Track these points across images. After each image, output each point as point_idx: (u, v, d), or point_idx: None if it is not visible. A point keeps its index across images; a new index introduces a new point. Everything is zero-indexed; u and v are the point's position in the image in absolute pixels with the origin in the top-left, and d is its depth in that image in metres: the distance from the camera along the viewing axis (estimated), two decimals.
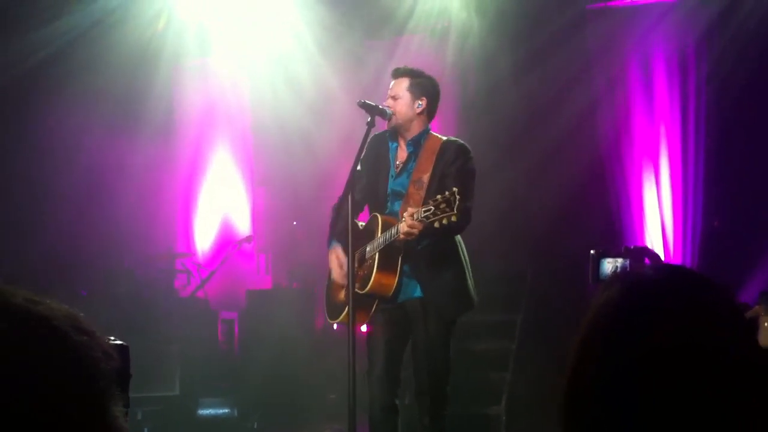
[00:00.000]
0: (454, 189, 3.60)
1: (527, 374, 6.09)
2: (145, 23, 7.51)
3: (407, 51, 7.28)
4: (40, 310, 0.77)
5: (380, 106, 4.04)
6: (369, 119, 3.96)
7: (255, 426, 6.32)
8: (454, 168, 4.00)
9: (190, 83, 8.23)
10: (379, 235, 3.97)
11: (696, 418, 0.94)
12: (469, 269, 4.13)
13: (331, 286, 4.30)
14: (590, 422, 0.99)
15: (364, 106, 3.98)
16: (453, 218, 3.58)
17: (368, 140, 4.09)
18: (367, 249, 4.04)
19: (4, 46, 7.00)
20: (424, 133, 4.13)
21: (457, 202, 3.56)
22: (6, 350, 0.74)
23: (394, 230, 3.86)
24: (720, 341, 0.97)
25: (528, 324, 6.55)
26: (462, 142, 4.16)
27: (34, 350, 0.75)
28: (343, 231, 4.02)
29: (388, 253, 3.94)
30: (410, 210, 3.71)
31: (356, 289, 3.92)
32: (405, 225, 3.72)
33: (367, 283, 3.96)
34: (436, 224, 3.62)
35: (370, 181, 4.05)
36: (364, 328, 4.93)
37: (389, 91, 4.12)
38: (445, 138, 4.12)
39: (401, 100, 4.07)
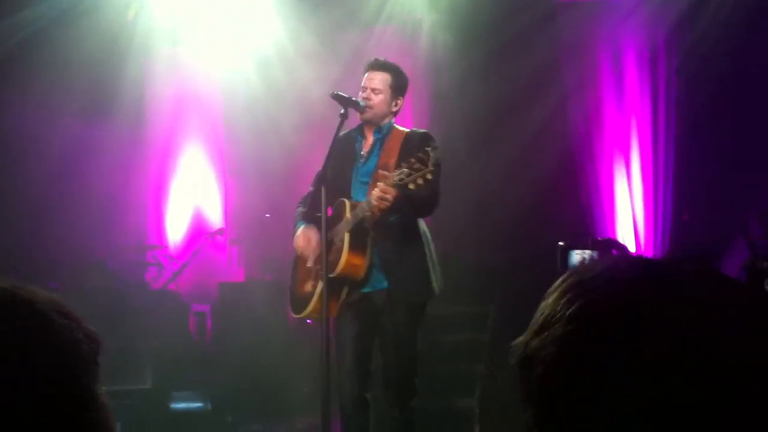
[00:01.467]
0: (427, 148, 3.66)
1: (501, 366, 6.11)
2: (115, 12, 7.41)
3: (380, 42, 7.27)
4: (23, 294, 0.79)
5: (354, 98, 4.04)
6: (342, 111, 3.96)
7: (230, 419, 6.30)
8: (419, 153, 4.03)
9: (161, 73, 8.13)
10: (348, 217, 3.96)
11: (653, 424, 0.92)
12: (434, 259, 4.15)
13: (295, 280, 4.29)
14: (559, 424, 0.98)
15: (337, 97, 3.98)
16: (428, 175, 3.62)
17: (335, 139, 4.10)
18: (336, 231, 4.02)
19: None
20: (390, 125, 4.18)
21: (431, 157, 3.61)
22: None
23: (365, 204, 3.85)
24: (679, 345, 0.92)
25: (501, 316, 6.58)
26: (426, 131, 4.21)
27: (19, 332, 0.77)
28: (309, 218, 4.09)
29: (358, 233, 3.94)
30: (384, 174, 3.73)
31: (328, 274, 3.92)
32: (378, 191, 3.70)
33: (337, 265, 3.94)
34: (411, 185, 3.65)
35: (334, 176, 4.00)
36: (309, 319, 4.92)
37: (368, 82, 4.09)
38: (408, 130, 4.17)
39: (381, 95, 4.07)
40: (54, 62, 7.19)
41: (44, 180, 7.19)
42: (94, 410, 0.80)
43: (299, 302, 4.20)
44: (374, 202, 3.74)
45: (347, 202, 4.02)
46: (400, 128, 4.17)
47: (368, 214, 3.86)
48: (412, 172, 3.64)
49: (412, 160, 3.67)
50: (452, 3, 7.23)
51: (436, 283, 4.11)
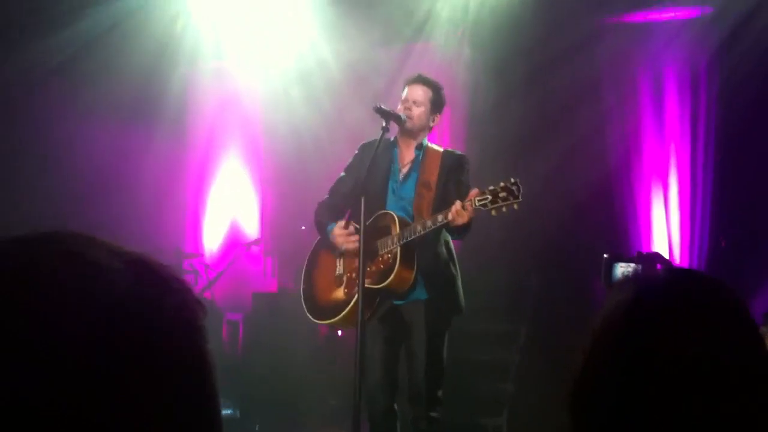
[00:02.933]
0: (514, 179, 3.81)
1: (530, 386, 6.09)
2: (163, 25, 7.57)
3: (420, 59, 7.32)
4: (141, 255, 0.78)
5: (395, 112, 4.10)
6: (384, 124, 4.02)
7: (257, 428, 6.34)
8: (461, 176, 4.19)
9: (204, 85, 8.28)
10: (397, 231, 4.01)
11: (701, 427, 0.94)
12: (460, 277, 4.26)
13: (316, 286, 4.32)
14: (597, 424, 1.00)
15: (380, 111, 4.04)
16: (515, 206, 3.77)
17: (360, 148, 4.30)
18: (382, 243, 4.06)
19: (23, 50, 7.08)
20: (425, 142, 4.28)
21: (521, 191, 3.72)
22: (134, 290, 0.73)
23: (437, 218, 3.91)
24: (732, 351, 0.97)
25: (532, 335, 6.56)
26: (462, 153, 4.36)
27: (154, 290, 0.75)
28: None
29: (409, 247, 4.00)
30: (471, 194, 3.84)
31: (370, 285, 3.96)
32: (459, 208, 3.80)
33: (387, 277, 3.99)
34: (494, 212, 3.76)
35: (365, 185, 4.02)
36: (339, 331, 4.95)
37: (410, 95, 4.17)
38: (442, 149, 4.29)
39: (422, 108, 4.18)
40: (103, 71, 7.37)
41: (86, 186, 7.35)
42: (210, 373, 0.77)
43: (326, 309, 4.24)
44: (450, 217, 3.83)
45: (394, 215, 4.07)
46: (435, 147, 4.25)
47: (422, 231, 3.94)
48: (497, 201, 3.76)
49: (498, 188, 3.81)
50: (493, 22, 7.25)
51: (463, 300, 4.18)
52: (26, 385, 0.66)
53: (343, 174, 4.35)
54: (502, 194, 3.79)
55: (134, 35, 7.40)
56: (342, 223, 4.16)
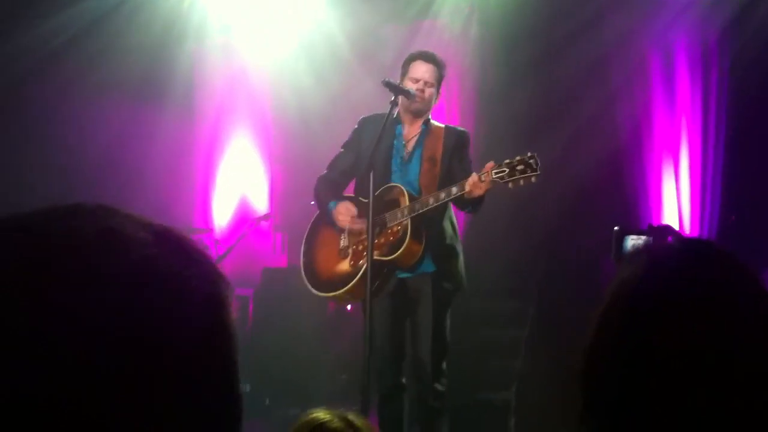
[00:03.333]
0: (531, 153, 3.82)
1: (538, 361, 6.11)
2: (170, 2, 7.55)
3: (429, 36, 7.28)
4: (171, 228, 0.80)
5: (403, 87, 4.10)
6: (392, 98, 4.02)
7: (267, 402, 6.39)
8: (465, 152, 4.26)
9: (212, 61, 8.25)
10: (407, 203, 4.02)
11: (709, 409, 0.92)
12: None
13: (317, 258, 4.33)
14: (606, 396, 0.98)
15: (389, 85, 4.04)
16: (533, 179, 3.79)
17: (360, 122, 4.34)
18: (390, 215, 4.08)
19: (28, 29, 7.06)
20: (429, 118, 4.31)
21: (539, 164, 3.76)
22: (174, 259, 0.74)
23: (452, 189, 3.92)
24: (747, 333, 0.95)
25: (540, 311, 6.57)
26: (464, 129, 4.40)
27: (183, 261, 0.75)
28: (350, 200, 4.23)
29: (417, 221, 4.02)
30: (487, 167, 3.85)
31: (379, 257, 3.98)
32: (476, 180, 3.82)
33: (398, 249, 4.00)
34: (511, 184, 3.77)
35: (368, 159, 4.02)
36: (348, 306, 4.98)
37: (419, 74, 4.17)
38: (443, 125, 4.31)
39: (431, 88, 4.19)
40: (110, 50, 7.36)
41: (95, 164, 7.36)
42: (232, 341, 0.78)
43: (331, 282, 4.25)
44: (468, 188, 3.84)
45: (402, 188, 4.08)
46: (437, 123, 4.27)
47: (434, 203, 3.95)
48: (515, 173, 3.75)
49: (515, 160, 3.81)
50: (501, 0, 7.20)
51: (465, 277, 4.26)
52: (73, 337, 0.67)
53: (342, 149, 4.36)
54: (520, 167, 3.79)
55: (140, 12, 7.37)
56: (347, 204, 4.16)
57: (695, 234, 6.90)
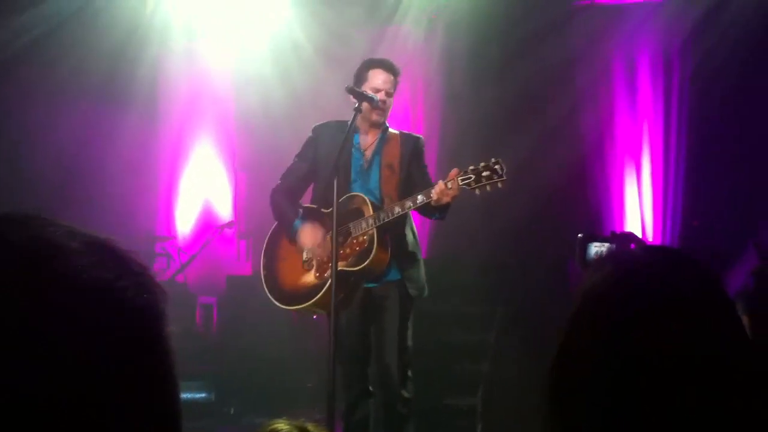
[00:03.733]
0: (496, 159, 3.83)
1: (505, 366, 6.12)
2: (132, 6, 7.46)
3: (394, 41, 7.28)
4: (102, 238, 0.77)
5: (368, 93, 4.07)
6: (356, 105, 3.99)
7: (232, 411, 6.32)
8: (422, 158, 4.28)
9: (175, 67, 8.17)
10: (371, 212, 4.00)
11: (681, 414, 0.93)
12: None
13: (280, 270, 4.29)
14: (574, 409, 0.99)
15: (353, 92, 4.02)
16: (500, 184, 3.80)
17: (313, 130, 4.31)
18: (355, 225, 4.05)
19: None
20: (387, 126, 4.30)
21: (505, 169, 3.76)
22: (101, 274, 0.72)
23: (417, 198, 3.91)
24: (712, 335, 0.97)
25: (507, 316, 6.58)
26: (419, 135, 4.40)
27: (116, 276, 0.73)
28: (306, 219, 4.17)
29: (383, 230, 4.00)
30: (454, 173, 3.84)
31: (346, 267, 3.96)
32: (442, 188, 3.80)
33: (365, 259, 3.98)
34: (477, 190, 3.79)
35: (329, 166, 3.98)
36: (314, 315, 4.97)
37: (382, 84, 4.15)
38: (398, 131, 4.31)
39: (391, 98, 4.18)
40: (71, 54, 7.24)
41: (57, 169, 7.24)
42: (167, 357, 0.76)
43: (296, 294, 4.20)
44: (435, 196, 3.82)
45: (364, 197, 4.06)
46: (392, 130, 4.28)
47: (400, 212, 3.93)
48: (481, 180, 3.77)
49: (479, 167, 3.82)
50: (467, 3, 7.23)
51: (426, 284, 4.26)
52: None
53: (295, 159, 4.33)
54: (485, 173, 3.79)
55: (102, 16, 7.27)
56: (313, 227, 4.12)
57: (658, 238, 6.98)
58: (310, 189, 4.41)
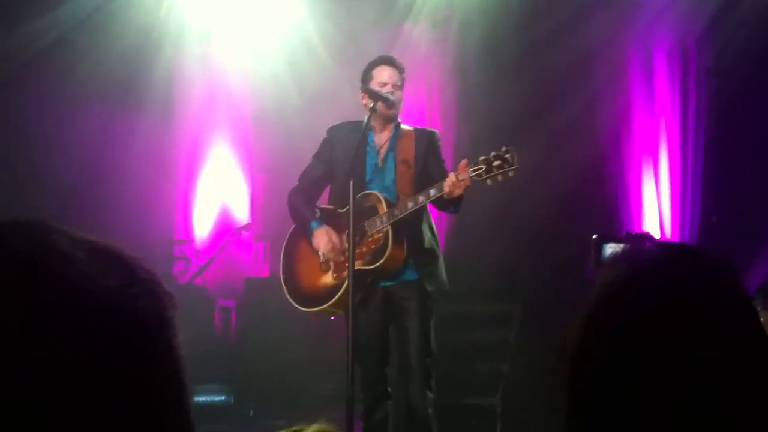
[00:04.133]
0: (506, 147, 3.80)
1: (524, 365, 6.10)
2: (147, 10, 7.49)
3: (409, 40, 7.27)
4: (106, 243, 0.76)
5: (383, 93, 4.08)
6: (372, 105, 3.99)
7: (251, 413, 6.33)
8: (437, 152, 4.24)
9: (191, 70, 8.20)
10: (385, 209, 3.99)
11: (692, 415, 0.92)
12: None
13: (298, 272, 4.29)
14: (593, 408, 0.98)
15: (369, 91, 4.02)
16: (511, 173, 3.76)
17: (328, 131, 4.31)
18: (370, 223, 4.05)
19: (6, 34, 6.98)
20: (399, 122, 4.29)
21: (515, 158, 3.73)
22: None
23: (429, 192, 3.89)
24: (728, 332, 0.95)
25: (526, 315, 6.56)
26: (433, 129, 4.40)
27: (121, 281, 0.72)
28: (325, 213, 4.19)
29: (398, 226, 3.99)
30: (463, 164, 3.82)
31: (362, 266, 3.95)
32: (454, 179, 3.78)
33: (381, 257, 3.97)
34: (489, 181, 3.76)
35: (344, 167, 3.98)
36: (332, 317, 4.97)
37: (388, 78, 4.15)
38: (411, 127, 4.30)
39: (399, 91, 4.18)
40: (87, 58, 7.28)
41: (73, 173, 7.28)
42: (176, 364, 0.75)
43: (315, 296, 4.20)
44: (447, 189, 3.80)
45: (379, 195, 4.05)
46: (406, 126, 4.27)
47: (413, 207, 3.92)
48: (492, 170, 3.74)
49: (491, 156, 3.78)
50: (482, 1, 7.21)
51: (446, 280, 4.22)
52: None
53: (312, 160, 4.33)
54: (496, 162, 3.77)
55: (118, 20, 7.31)
56: (329, 231, 4.11)
57: (677, 234, 6.92)
58: (327, 189, 4.41)
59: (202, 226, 8.39)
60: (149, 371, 0.71)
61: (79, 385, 0.65)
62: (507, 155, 3.78)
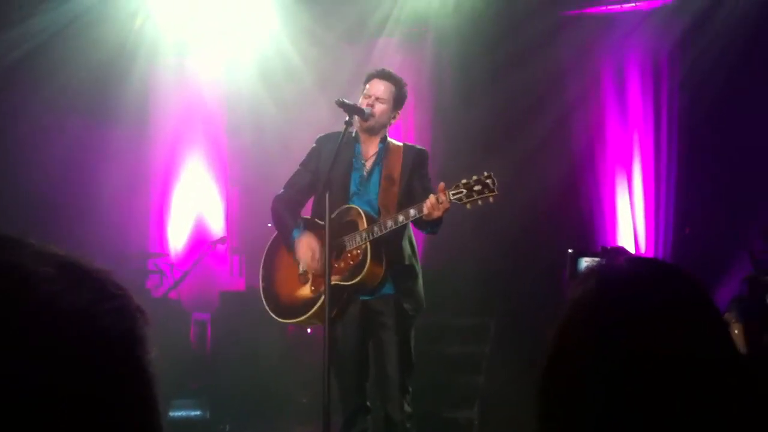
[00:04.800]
0: (488, 173, 3.81)
1: (500, 378, 6.11)
2: (121, 21, 7.45)
3: (385, 53, 7.30)
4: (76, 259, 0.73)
5: (358, 106, 4.07)
6: (347, 118, 3.99)
7: (227, 428, 6.28)
8: (424, 171, 4.22)
9: (166, 82, 8.17)
10: (365, 226, 3.99)
11: (669, 419, 0.94)
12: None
13: (277, 283, 4.27)
14: (564, 417, 1.00)
15: (343, 105, 4.01)
16: (491, 199, 3.78)
17: (317, 141, 4.28)
18: (349, 238, 4.04)
19: None
20: (386, 137, 4.27)
21: (496, 183, 3.75)
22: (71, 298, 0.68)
23: (410, 212, 3.88)
24: (696, 344, 0.98)
25: (502, 327, 6.58)
26: (422, 147, 4.36)
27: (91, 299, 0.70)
28: (308, 223, 4.17)
29: (377, 243, 3.98)
30: (441, 187, 3.82)
31: (340, 281, 3.94)
32: (434, 201, 3.78)
33: (359, 274, 3.96)
34: (469, 205, 3.78)
35: (326, 177, 3.94)
36: (309, 329, 4.93)
37: (372, 90, 4.14)
38: (401, 143, 4.28)
39: (385, 105, 4.15)
40: (60, 70, 7.23)
41: (47, 185, 7.21)
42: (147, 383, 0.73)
43: (292, 308, 4.19)
44: (426, 211, 3.80)
45: (359, 210, 4.04)
46: (395, 141, 4.25)
47: (393, 226, 3.91)
48: (472, 194, 3.76)
49: (471, 181, 3.80)
50: (456, 16, 7.25)
51: (423, 296, 4.21)
52: None
53: (299, 167, 4.32)
54: (477, 187, 3.78)
55: (92, 32, 7.26)
56: (309, 239, 4.10)
57: (651, 246, 6.99)
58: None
59: (177, 239, 8.34)
60: (118, 392, 0.69)
61: (45, 411, 0.63)
62: (488, 180, 3.80)
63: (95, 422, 0.66)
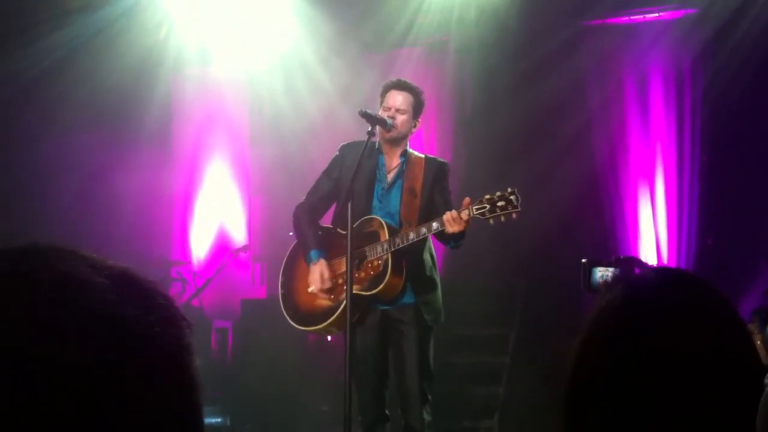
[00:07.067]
0: (512, 189, 3.82)
1: (520, 389, 6.10)
2: (146, 33, 7.54)
3: (406, 64, 7.32)
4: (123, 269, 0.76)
5: (381, 117, 4.10)
6: (369, 129, 4.01)
7: None
8: (445, 183, 4.24)
9: (189, 92, 8.25)
10: (386, 237, 4.00)
11: (693, 422, 0.94)
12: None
13: (299, 291, 4.30)
14: (591, 424, 1.00)
15: (365, 115, 4.03)
16: (514, 215, 3.78)
17: (340, 149, 4.30)
18: (371, 248, 4.06)
19: (7, 57, 7.02)
20: (408, 149, 4.28)
21: (520, 200, 3.74)
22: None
23: (432, 225, 3.90)
24: (723, 347, 0.99)
25: (521, 338, 6.56)
26: (444, 160, 4.37)
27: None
28: (323, 240, 4.20)
29: (398, 254, 4.00)
30: (466, 202, 3.83)
31: (359, 291, 3.96)
32: (455, 216, 3.80)
33: (378, 284, 3.98)
34: (491, 220, 3.76)
35: (348, 188, 3.99)
36: (329, 337, 4.95)
37: (392, 102, 4.16)
38: (423, 155, 4.29)
39: (405, 115, 4.17)
40: (86, 80, 7.33)
41: (72, 194, 7.30)
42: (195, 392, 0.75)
43: (311, 316, 4.22)
44: (448, 225, 3.82)
45: (381, 221, 4.06)
46: (417, 153, 4.26)
47: (415, 239, 3.93)
48: (495, 210, 3.77)
49: (495, 197, 3.81)
50: (478, 26, 7.25)
51: (442, 308, 4.23)
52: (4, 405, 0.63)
53: (322, 175, 4.34)
54: (500, 203, 3.78)
55: (117, 43, 7.36)
56: (322, 267, 4.13)
57: (673, 258, 6.94)
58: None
59: (200, 248, 8.40)
60: (167, 399, 0.71)
61: (99, 418, 0.65)
62: (512, 196, 3.80)
63: (146, 429, 0.68)
